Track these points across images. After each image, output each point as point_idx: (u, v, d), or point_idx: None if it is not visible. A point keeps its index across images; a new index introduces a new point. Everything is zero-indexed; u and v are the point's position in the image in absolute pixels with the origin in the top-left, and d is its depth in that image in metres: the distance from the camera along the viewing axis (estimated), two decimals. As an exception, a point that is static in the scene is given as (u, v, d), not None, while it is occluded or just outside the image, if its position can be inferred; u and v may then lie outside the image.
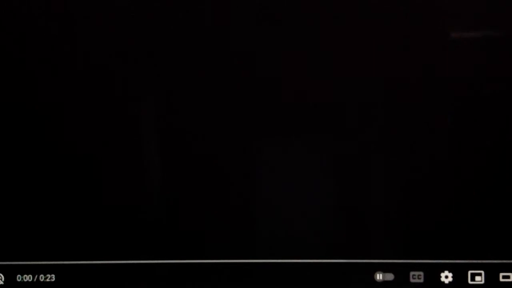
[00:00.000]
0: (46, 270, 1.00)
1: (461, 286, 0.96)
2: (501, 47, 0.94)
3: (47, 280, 1.00)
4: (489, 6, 0.94)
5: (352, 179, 0.97)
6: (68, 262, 1.00)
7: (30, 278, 1.00)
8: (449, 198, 0.96)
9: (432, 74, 0.95)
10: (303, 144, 0.98)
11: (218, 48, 0.97)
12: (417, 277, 0.97)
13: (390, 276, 0.97)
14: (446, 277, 0.96)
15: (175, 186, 0.99)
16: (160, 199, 0.99)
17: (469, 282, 0.96)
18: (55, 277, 1.00)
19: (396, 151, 0.96)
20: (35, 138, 0.99)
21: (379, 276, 0.97)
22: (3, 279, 1.01)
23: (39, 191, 1.00)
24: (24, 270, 1.00)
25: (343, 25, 0.96)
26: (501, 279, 0.96)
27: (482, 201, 0.95)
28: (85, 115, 0.99)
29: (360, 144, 0.97)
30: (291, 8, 0.96)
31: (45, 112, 0.99)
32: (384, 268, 0.97)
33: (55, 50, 0.99)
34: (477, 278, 0.96)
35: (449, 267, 0.96)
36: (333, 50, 0.96)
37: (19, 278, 1.01)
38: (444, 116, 0.95)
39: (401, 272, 0.97)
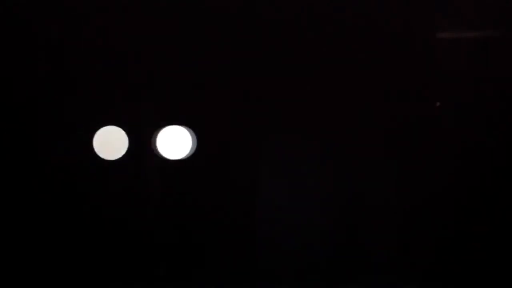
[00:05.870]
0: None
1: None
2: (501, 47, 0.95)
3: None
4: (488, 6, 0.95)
5: (353, 181, 0.98)
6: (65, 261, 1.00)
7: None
8: (449, 200, 0.97)
9: (432, 74, 0.96)
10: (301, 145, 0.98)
11: (218, 48, 0.98)
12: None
13: (390, 277, 0.98)
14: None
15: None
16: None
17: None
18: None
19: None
20: (35, 138, 1.00)
21: (379, 276, 0.98)
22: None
23: (39, 193, 1.00)
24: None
25: (342, 29, 0.97)
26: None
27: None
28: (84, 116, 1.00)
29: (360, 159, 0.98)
30: (291, 12, 0.98)
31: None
32: (384, 269, 0.98)
33: (55, 50, 1.00)
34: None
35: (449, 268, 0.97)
36: (332, 52, 0.98)
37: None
38: (446, 116, 0.96)
39: (401, 272, 0.97)
